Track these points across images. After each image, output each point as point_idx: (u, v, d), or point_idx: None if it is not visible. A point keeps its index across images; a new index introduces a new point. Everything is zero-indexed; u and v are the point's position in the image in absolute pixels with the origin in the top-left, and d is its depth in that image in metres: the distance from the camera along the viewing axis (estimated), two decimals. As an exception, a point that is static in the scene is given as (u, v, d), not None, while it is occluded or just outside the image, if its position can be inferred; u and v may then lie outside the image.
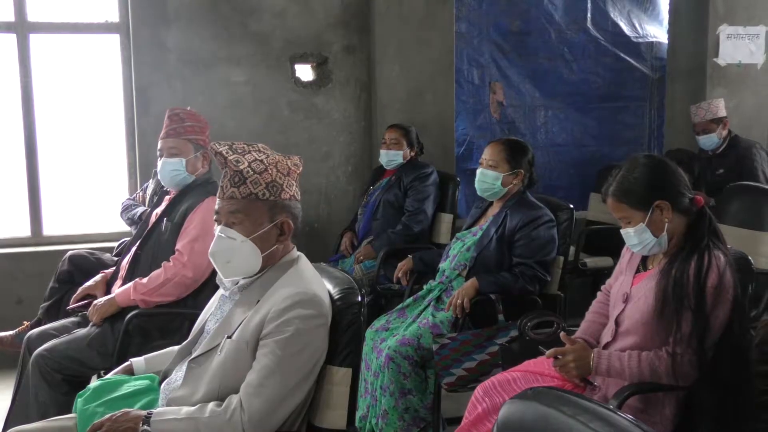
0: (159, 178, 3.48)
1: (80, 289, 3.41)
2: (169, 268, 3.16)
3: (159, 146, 3.40)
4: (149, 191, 4.33)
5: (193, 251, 3.15)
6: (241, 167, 2.11)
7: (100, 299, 3.25)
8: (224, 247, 2.15)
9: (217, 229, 2.18)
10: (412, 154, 4.62)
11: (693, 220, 2.46)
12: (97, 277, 3.42)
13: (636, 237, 2.47)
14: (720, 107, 5.13)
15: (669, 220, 2.43)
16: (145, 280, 3.19)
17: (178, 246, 3.21)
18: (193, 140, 3.36)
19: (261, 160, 2.14)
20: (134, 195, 4.58)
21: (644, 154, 2.58)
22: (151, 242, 3.33)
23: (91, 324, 3.20)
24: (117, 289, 3.26)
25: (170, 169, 3.34)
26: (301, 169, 2.21)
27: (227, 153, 2.14)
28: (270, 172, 2.13)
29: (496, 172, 3.52)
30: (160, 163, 3.39)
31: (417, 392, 3.27)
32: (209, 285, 3.13)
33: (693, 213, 2.46)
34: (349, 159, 5.20)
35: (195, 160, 3.37)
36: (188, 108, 3.51)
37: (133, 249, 3.38)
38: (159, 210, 3.45)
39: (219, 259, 2.18)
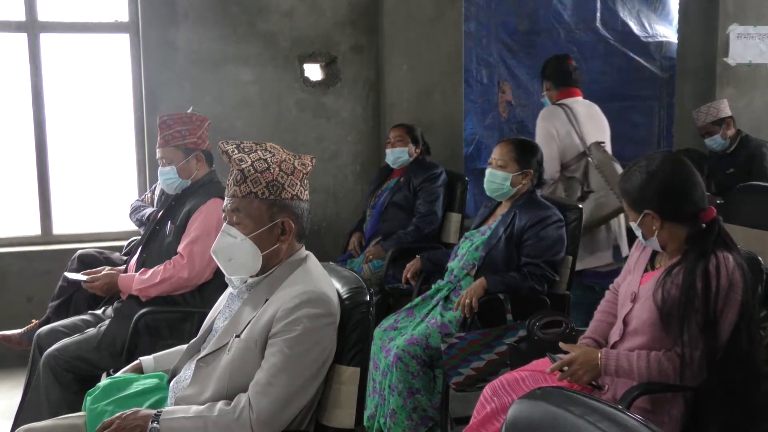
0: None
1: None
2: (167, 269, 3.22)
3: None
4: (157, 192, 4.35)
5: (192, 253, 3.20)
6: (243, 166, 2.12)
7: (106, 272, 3.37)
8: (225, 245, 2.16)
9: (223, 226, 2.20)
10: (418, 151, 4.61)
11: (699, 230, 2.42)
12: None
13: (637, 231, 2.51)
14: (721, 108, 5.14)
15: (657, 228, 2.42)
16: (147, 275, 3.25)
17: (179, 248, 3.25)
18: (181, 146, 3.38)
19: (265, 159, 2.13)
20: (142, 196, 4.60)
21: (662, 156, 2.49)
22: (156, 243, 3.37)
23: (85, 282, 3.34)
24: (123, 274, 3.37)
25: (164, 178, 3.43)
26: (309, 168, 2.19)
27: (232, 152, 2.14)
28: (272, 171, 2.12)
29: (505, 173, 3.51)
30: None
31: (425, 391, 3.27)
32: (217, 283, 3.15)
33: (698, 225, 2.43)
34: (357, 158, 5.21)
35: (187, 165, 3.40)
36: (189, 110, 3.55)
37: (139, 250, 3.42)
38: (163, 211, 3.48)
39: (221, 257, 2.19)
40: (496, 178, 3.53)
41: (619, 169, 4.01)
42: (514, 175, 3.51)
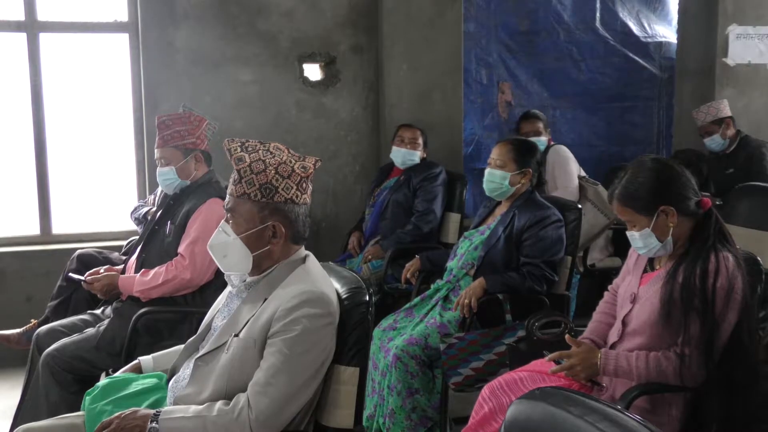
0: None
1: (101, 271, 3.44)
2: (170, 270, 3.22)
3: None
4: (158, 193, 4.34)
5: (194, 254, 3.20)
6: (241, 166, 2.12)
7: (107, 273, 3.37)
8: (220, 242, 2.18)
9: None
10: (425, 154, 4.64)
11: (699, 222, 2.45)
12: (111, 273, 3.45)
13: (641, 241, 2.47)
14: (721, 108, 5.15)
15: (674, 224, 2.42)
16: (148, 276, 3.24)
17: (180, 249, 3.25)
18: (180, 146, 3.38)
19: (263, 160, 2.13)
20: (146, 200, 4.59)
21: (651, 157, 2.55)
22: (155, 243, 3.37)
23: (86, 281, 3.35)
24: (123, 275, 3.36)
25: (163, 179, 3.42)
26: (310, 172, 2.17)
27: (234, 150, 2.15)
28: (267, 173, 2.11)
29: (504, 172, 3.52)
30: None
31: (424, 392, 3.27)
32: (218, 284, 3.15)
33: (699, 215, 2.45)
34: (356, 158, 5.21)
35: (186, 165, 3.39)
36: (180, 109, 3.52)
37: (138, 249, 3.42)
38: (162, 211, 3.47)
39: (216, 253, 2.20)
40: (495, 178, 3.54)
41: (601, 190, 4.52)
42: (513, 175, 3.51)
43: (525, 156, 3.54)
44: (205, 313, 2.38)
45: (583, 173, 4.86)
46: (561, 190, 4.67)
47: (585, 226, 4.50)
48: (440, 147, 4.92)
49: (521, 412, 1.41)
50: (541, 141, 4.81)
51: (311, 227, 2.30)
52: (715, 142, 5.16)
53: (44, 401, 3.00)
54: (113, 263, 3.79)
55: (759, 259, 2.58)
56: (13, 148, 4.98)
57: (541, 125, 4.91)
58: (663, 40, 5.96)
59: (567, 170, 4.74)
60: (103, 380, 2.30)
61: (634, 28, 5.89)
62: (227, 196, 2.18)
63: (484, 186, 3.60)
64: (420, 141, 4.60)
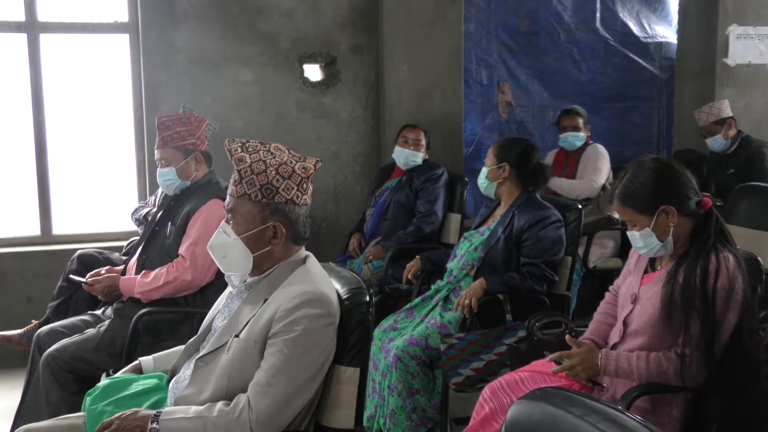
0: None
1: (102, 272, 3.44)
2: (171, 271, 3.22)
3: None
4: (158, 194, 4.34)
5: (195, 255, 3.19)
6: (242, 166, 2.12)
7: (107, 275, 3.37)
8: (220, 242, 2.18)
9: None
10: (426, 157, 4.64)
11: (700, 222, 2.45)
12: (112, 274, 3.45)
13: (641, 240, 2.47)
14: (722, 108, 5.15)
15: (674, 224, 2.43)
16: (149, 278, 3.24)
17: (180, 250, 3.25)
18: (180, 147, 3.37)
19: (264, 161, 2.12)
20: (146, 200, 4.59)
21: (651, 157, 2.56)
22: (156, 244, 3.37)
23: (86, 281, 3.34)
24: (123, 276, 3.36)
25: (163, 179, 3.42)
26: (310, 172, 2.17)
27: (235, 151, 2.15)
28: (268, 173, 2.11)
29: (485, 168, 3.61)
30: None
31: (425, 392, 3.27)
32: (218, 284, 3.15)
33: (700, 215, 2.45)
34: (357, 159, 5.21)
35: (186, 166, 3.39)
36: (180, 110, 3.52)
37: (139, 250, 3.42)
38: (162, 212, 3.47)
39: (216, 253, 2.20)
40: (481, 174, 3.63)
41: None
42: (491, 169, 3.56)
43: (503, 151, 3.57)
44: (205, 314, 2.38)
45: (611, 179, 4.94)
46: (585, 181, 4.83)
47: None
48: (440, 147, 4.92)
49: (522, 412, 1.41)
50: (579, 137, 4.97)
51: (312, 228, 2.29)
52: (717, 142, 5.16)
53: (45, 402, 3.01)
54: (114, 264, 3.79)
55: (759, 259, 2.58)
56: (13, 149, 4.98)
57: (581, 121, 4.99)
58: (663, 40, 5.97)
59: (597, 166, 4.87)
60: (104, 381, 2.30)
61: (634, 29, 5.90)
62: (228, 196, 2.18)
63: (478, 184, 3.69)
64: (423, 142, 4.60)
